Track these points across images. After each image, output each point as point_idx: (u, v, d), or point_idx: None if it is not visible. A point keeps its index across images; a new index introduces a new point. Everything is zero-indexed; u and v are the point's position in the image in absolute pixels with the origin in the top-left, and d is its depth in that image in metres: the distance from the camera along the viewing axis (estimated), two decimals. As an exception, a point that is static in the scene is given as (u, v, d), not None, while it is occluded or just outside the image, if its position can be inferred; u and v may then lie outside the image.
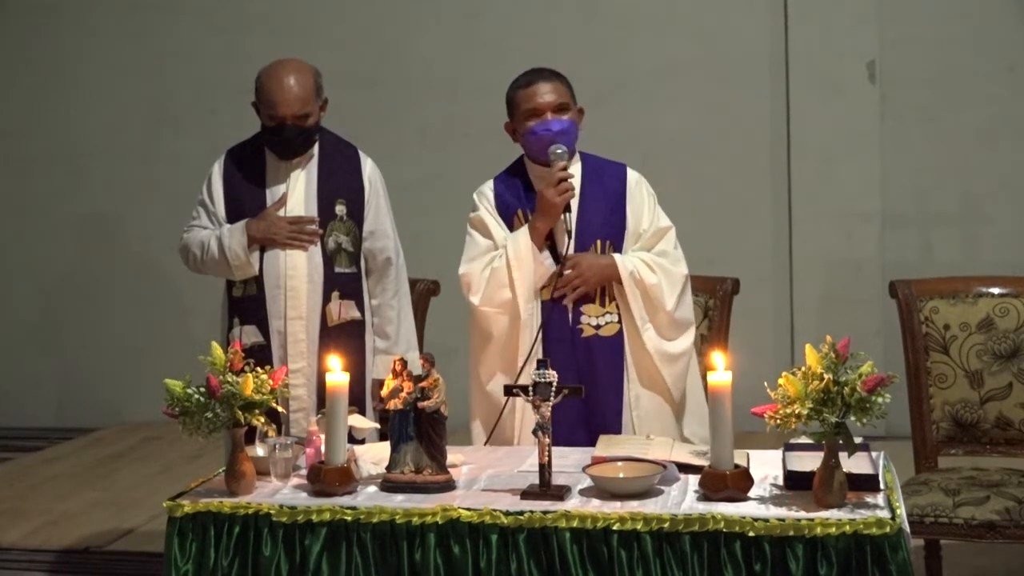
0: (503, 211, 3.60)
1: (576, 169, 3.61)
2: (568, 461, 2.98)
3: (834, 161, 6.44)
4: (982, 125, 6.36)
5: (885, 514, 2.56)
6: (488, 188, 3.66)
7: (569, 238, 3.48)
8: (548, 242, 3.52)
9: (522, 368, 3.45)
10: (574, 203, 3.54)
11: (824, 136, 6.45)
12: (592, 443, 3.19)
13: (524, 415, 3.48)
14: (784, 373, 2.65)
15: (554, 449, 2.81)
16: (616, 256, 3.53)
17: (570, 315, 3.52)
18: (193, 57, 7.17)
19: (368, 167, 3.92)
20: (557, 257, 3.52)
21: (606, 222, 3.57)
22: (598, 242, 3.55)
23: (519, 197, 3.59)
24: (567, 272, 3.49)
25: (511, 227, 3.58)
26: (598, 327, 3.52)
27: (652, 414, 3.53)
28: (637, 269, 3.51)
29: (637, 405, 3.53)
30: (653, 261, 3.54)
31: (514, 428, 3.52)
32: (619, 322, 3.53)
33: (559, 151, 3.50)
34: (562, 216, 3.48)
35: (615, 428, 3.46)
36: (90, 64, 7.29)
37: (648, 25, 6.69)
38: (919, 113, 6.43)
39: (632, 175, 3.65)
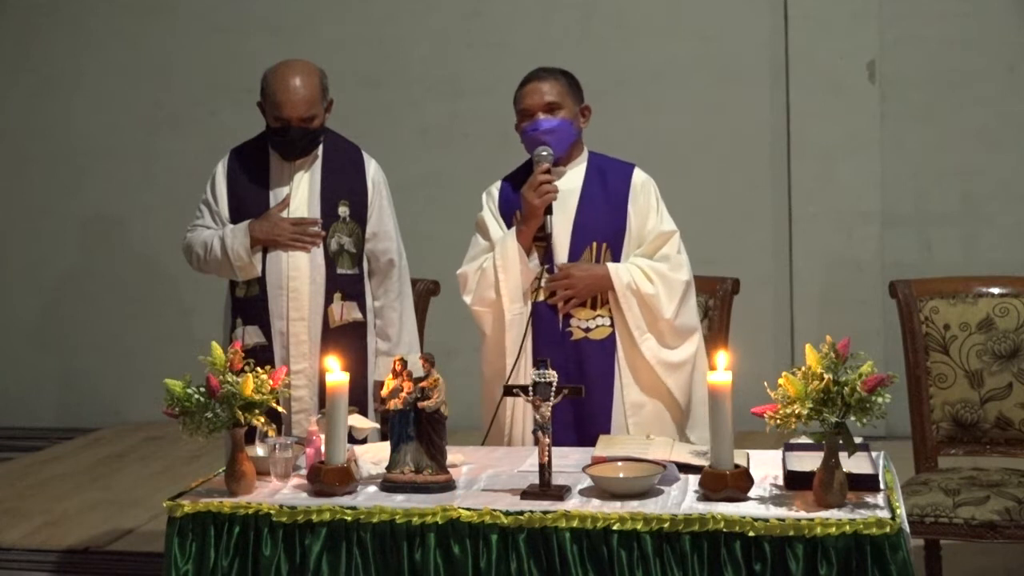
0: (506, 210, 3.60)
1: (580, 168, 3.60)
2: (568, 461, 2.97)
3: (834, 161, 6.44)
4: (982, 125, 6.36)
5: (885, 514, 2.56)
6: (495, 188, 3.67)
7: (549, 240, 3.47)
8: (544, 245, 3.50)
9: (512, 369, 3.45)
10: (572, 203, 3.53)
11: (824, 136, 6.45)
12: (581, 446, 3.19)
13: (514, 413, 3.49)
14: (784, 373, 2.65)
15: (554, 449, 2.80)
16: (611, 266, 3.50)
17: (560, 318, 3.51)
18: (193, 57, 7.17)
19: (372, 169, 3.91)
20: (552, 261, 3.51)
21: (605, 223, 3.54)
22: (593, 245, 3.52)
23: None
24: (557, 281, 3.47)
25: (511, 226, 3.57)
26: (588, 330, 3.51)
27: (651, 420, 3.50)
28: (634, 279, 3.47)
29: (635, 412, 3.50)
30: (651, 269, 3.50)
31: (505, 426, 3.52)
32: (611, 326, 3.51)
33: (543, 153, 3.49)
34: (545, 219, 3.47)
35: (605, 431, 3.43)
36: (90, 64, 7.30)
37: (648, 25, 6.69)
38: (919, 113, 6.43)
39: (639, 176, 3.60)
